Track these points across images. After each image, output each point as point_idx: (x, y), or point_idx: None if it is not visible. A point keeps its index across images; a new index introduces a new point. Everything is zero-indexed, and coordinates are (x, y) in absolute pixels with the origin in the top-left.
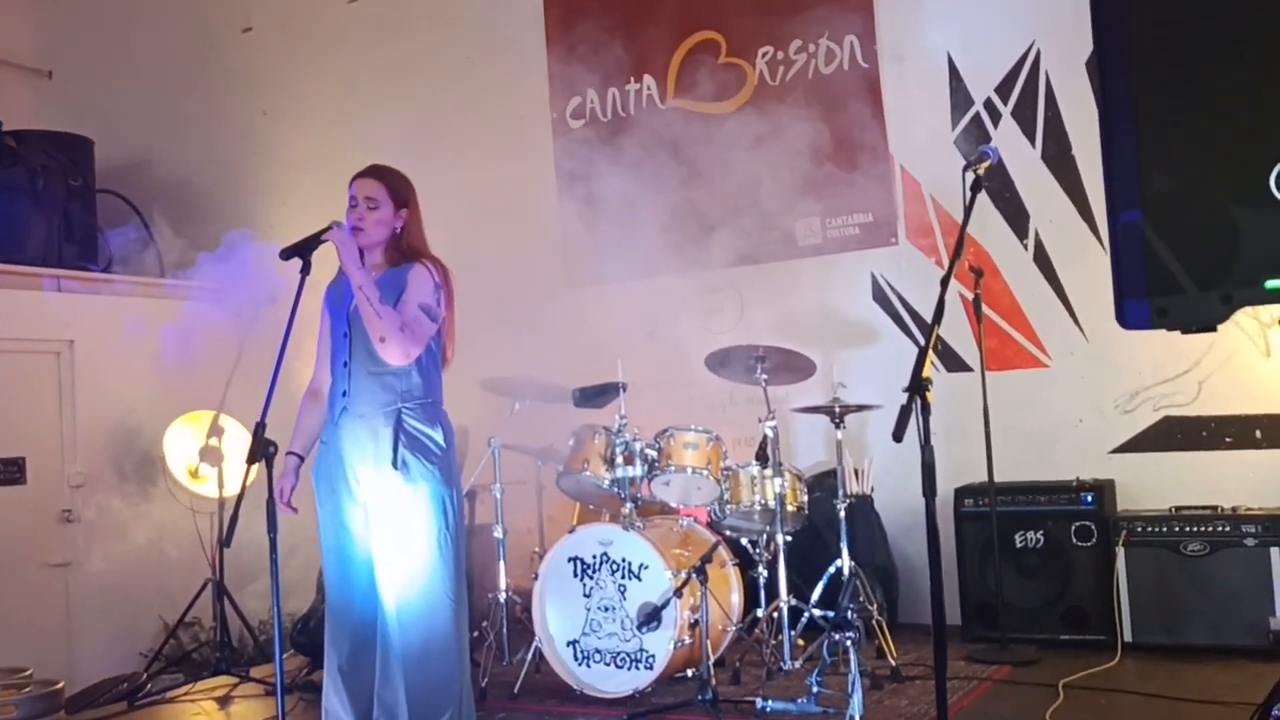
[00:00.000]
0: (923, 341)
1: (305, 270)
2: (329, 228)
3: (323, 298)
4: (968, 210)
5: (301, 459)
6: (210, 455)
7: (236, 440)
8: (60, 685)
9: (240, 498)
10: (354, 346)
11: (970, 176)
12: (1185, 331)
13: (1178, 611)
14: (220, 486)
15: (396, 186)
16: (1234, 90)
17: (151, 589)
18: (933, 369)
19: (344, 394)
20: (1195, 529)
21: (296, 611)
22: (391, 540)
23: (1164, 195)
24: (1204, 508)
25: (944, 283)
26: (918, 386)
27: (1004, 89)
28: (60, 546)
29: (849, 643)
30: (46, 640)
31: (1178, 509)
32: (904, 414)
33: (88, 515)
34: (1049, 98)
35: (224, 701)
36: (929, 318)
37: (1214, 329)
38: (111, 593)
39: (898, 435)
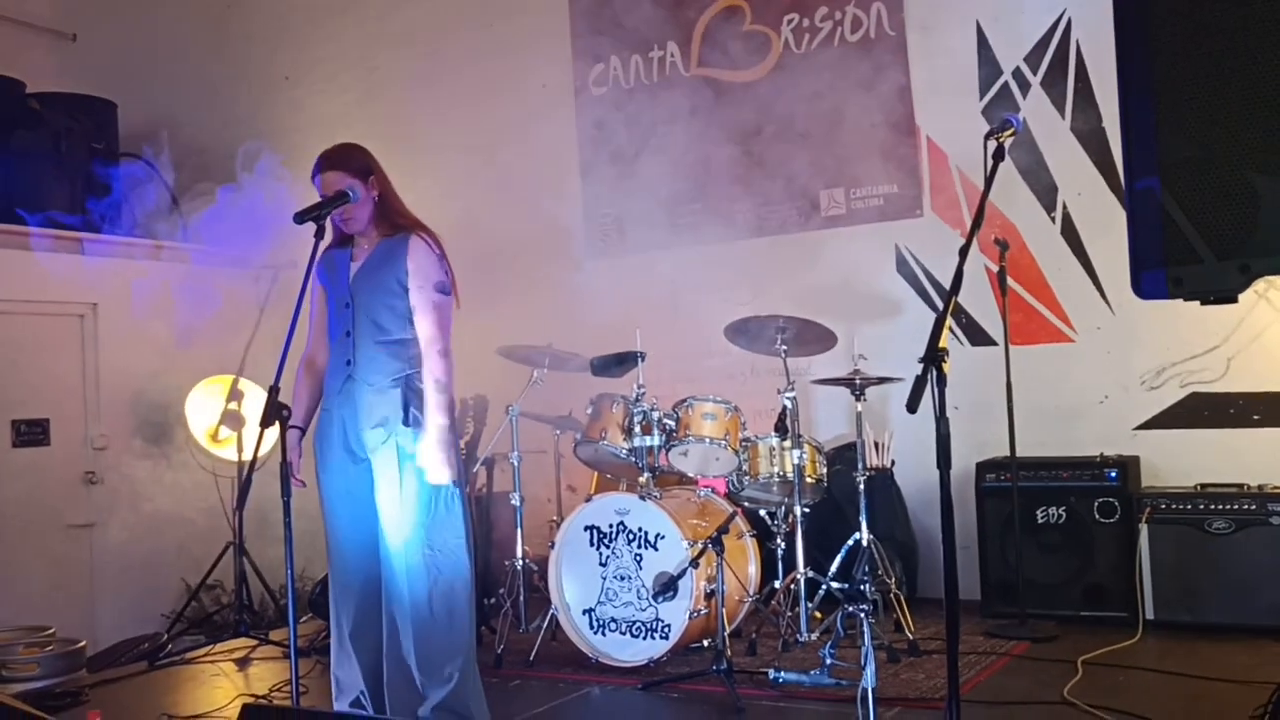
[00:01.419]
0: None
1: (320, 235)
2: (344, 193)
3: (314, 269)
4: (989, 179)
5: (303, 431)
6: (230, 419)
7: (256, 404)
8: (82, 644)
9: (254, 461)
10: (357, 317)
11: (993, 145)
12: (1204, 302)
13: (1200, 590)
14: (240, 450)
15: (354, 164)
16: (1257, 53)
17: (174, 551)
18: (953, 341)
19: (348, 363)
20: (1220, 507)
21: (316, 575)
22: (402, 497)
23: (1182, 161)
24: (1230, 485)
25: (963, 252)
26: (933, 357)
27: (1033, 58)
28: (83, 508)
29: (863, 615)
30: (70, 600)
31: (1203, 486)
32: (919, 384)
33: (110, 477)
34: (1079, 68)
35: (242, 663)
36: None
37: (1234, 299)
38: (134, 554)
39: (911, 406)
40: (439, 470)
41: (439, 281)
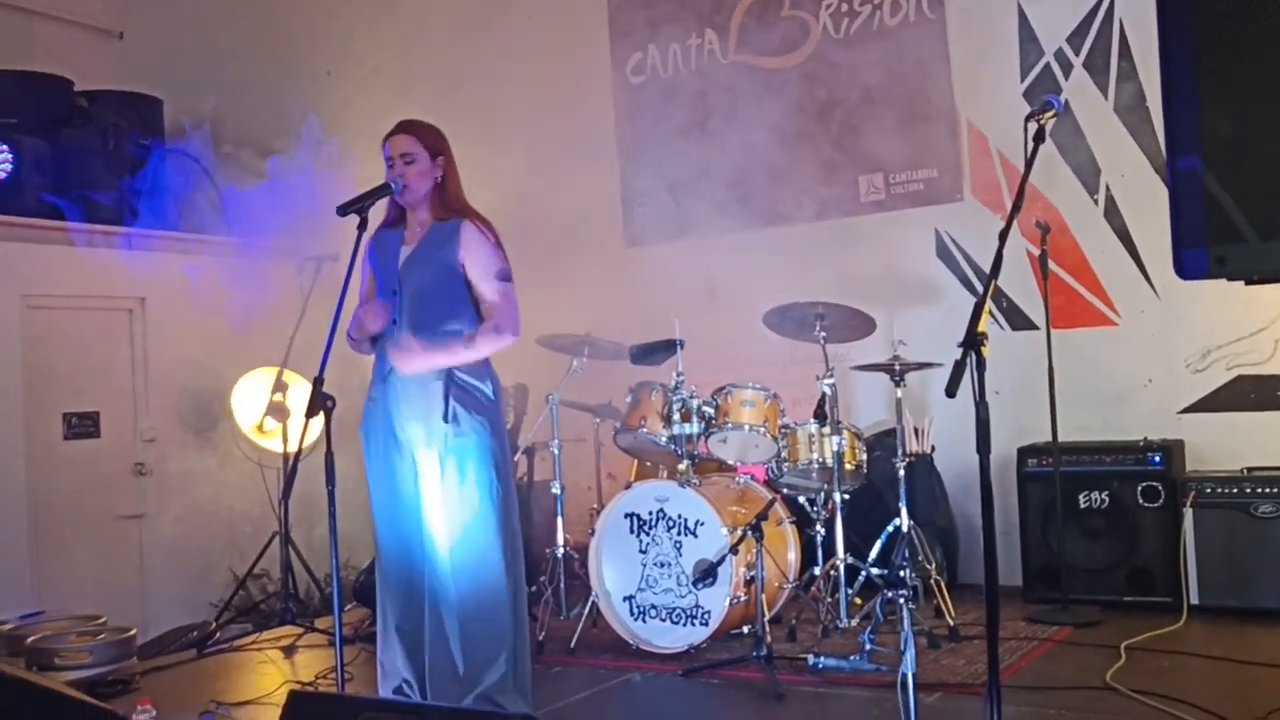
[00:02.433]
0: None
1: (362, 227)
2: (385, 186)
3: (365, 251)
4: (1029, 161)
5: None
6: (276, 411)
7: (301, 396)
8: (132, 632)
9: (299, 453)
10: (403, 305)
11: (1033, 127)
12: (1248, 282)
13: (1246, 574)
14: (285, 441)
15: (429, 137)
16: None
17: (222, 541)
18: (994, 325)
19: None
20: (1267, 490)
21: (360, 564)
22: (444, 493)
23: (1225, 140)
24: (1277, 469)
25: (1003, 235)
26: (973, 341)
27: (1076, 39)
28: (133, 499)
29: (903, 600)
30: (121, 590)
31: (1249, 470)
32: (958, 369)
33: (160, 469)
34: (1123, 48)
35: (289, 651)
36: None
37: (1279, 279)
38: (183, 544)
39: (950, 390)
40: (405, 362)
41: (499, 269)
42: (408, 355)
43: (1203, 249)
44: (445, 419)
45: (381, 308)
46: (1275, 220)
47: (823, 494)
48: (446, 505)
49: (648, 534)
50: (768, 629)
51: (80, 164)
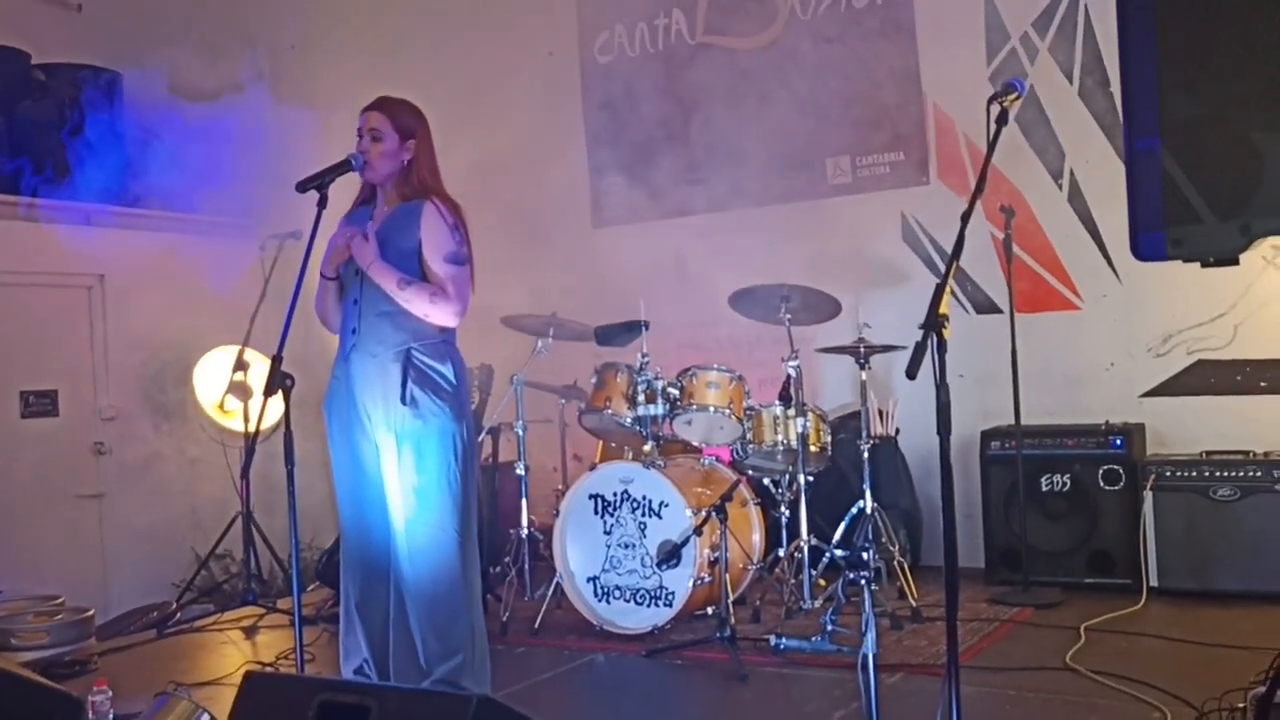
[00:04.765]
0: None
1: (322, 204)
2: (346, 161)
3: (339, 226)
4: (992, 144)
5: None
6: (237, 390)
7: (263, 375)
8: (90, 613)
9: (258, 431)
10: (365, 285)
11: (996, 109)
12: (1204, 264)
13: (1205, 557)
14: (246, 420)
15: (401, 118)
16: (1260, 9)
17: (184, 521)
18: (958, 309)
19: (353, 331)
20: (1226, 474)
21: (324, 544)
22: (401, 476)
23: (1184, 120)
24: (1235, 453)
25: (964, 217)
26: (933, 323)
27: (1041, 23)
28: (93, 478)
29: (864, 582)
30: (81, 570)
31: (1208, 453)
32: (919, 351)
33: (120, 448)
34: (1088, 32)
35: (250, 631)
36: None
37: (1235, 261)
38: (144, 524)
39: (911, 372)
40: (360, 253)
41: (450, 252)
42: (366, 249)
43: (1160, 231)
44: (403, 401)
45: (343, 237)
46: (1231, 201)
47: (787, 476)
48: (403, 488)
49: (612, 515)
50: (731, 610)
51: (37, 138)
